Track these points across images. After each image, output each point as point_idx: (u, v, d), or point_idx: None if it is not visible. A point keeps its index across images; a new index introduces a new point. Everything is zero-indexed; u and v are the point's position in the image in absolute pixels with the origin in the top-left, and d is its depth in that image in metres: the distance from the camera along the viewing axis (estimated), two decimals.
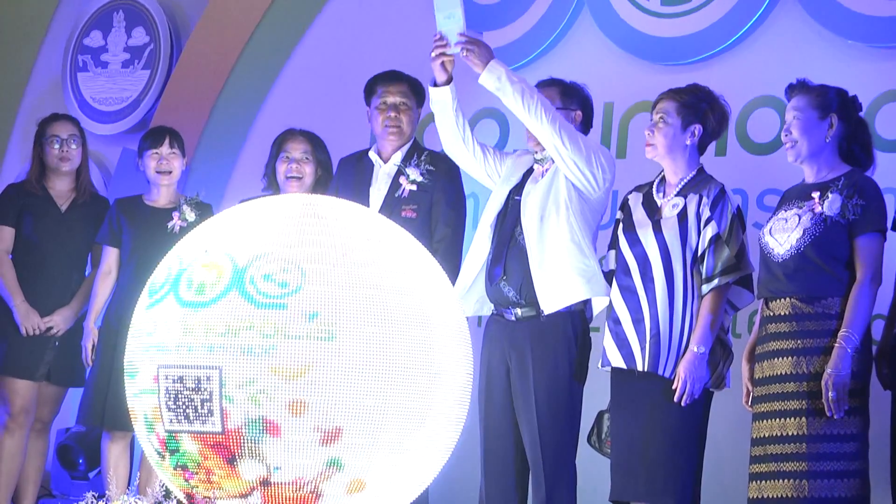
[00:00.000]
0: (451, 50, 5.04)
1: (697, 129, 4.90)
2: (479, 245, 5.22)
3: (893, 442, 4.62)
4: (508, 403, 5.13)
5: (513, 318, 5.10)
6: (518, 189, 5.23)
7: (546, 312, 5.01)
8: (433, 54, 5.10)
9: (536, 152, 5.24)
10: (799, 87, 4.71)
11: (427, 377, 3.63)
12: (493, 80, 5.01)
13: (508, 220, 5.18)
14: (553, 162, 5.12)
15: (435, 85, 5.21)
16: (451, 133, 5.30)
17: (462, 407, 3.83)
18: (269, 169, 5.98)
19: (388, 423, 3.56)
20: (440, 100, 5.21)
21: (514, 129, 6.71)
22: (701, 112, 4.91)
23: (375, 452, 3.58)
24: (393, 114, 5.70)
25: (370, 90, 5.82)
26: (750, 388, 4.75)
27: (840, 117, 4.64)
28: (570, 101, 5.28)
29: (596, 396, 5.23)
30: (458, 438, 3.86)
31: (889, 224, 4.62)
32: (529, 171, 5.28)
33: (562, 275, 5.01)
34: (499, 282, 5.11)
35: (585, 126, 5.32)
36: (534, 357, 5.05)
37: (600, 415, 5.09)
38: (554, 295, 5.01)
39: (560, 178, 5.08)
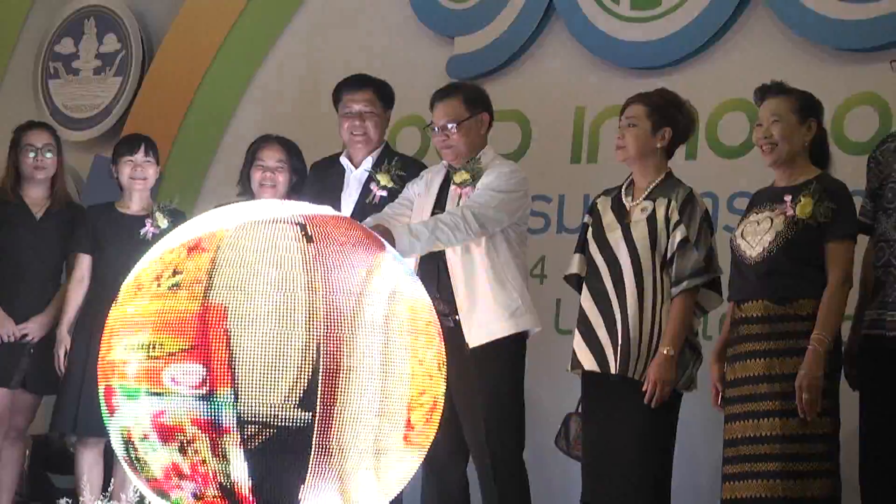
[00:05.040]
0: None
1: (667, 132, 4.91)
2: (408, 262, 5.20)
3: (862, 442, 4.64)
4: (449, 410, 5.11)
5: (451, 325, 5.05)
6: (440, 203, 5.23)
7: (471, 346, 5.07)
8: None
9: (453, 168, 5.25)
10: (776, 90, 4.72)
11: (396, 377, 3.61)
12: (408, 253, 4.89)
13: None
14: (473, 186, 5.14)
15: None
16: None
17: (437, 407, 3.83)
18: (244, 176, 5.96)
19: (363, 426, 3.56)
20: None
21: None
22: (670, 115, 4.93)
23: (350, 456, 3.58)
24: (358, 122, 5.71)
25: (336, 97, 5.82)
26: (719, 388, 4.76)
27: (817, 122, 4.68)
28: (475, 106, 5.30)
29: (562, 398, 5.24)
30: (431, 441, 3.87)
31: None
32: (446, 182, 5.29)
33: (486, 311, 5.09)
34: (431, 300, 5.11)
35: (490, 122, 5.35)
36: (476, 360, 5.07)
37: (568, 417, 5.11)
38: (478, 331, 5.08)
39: None
